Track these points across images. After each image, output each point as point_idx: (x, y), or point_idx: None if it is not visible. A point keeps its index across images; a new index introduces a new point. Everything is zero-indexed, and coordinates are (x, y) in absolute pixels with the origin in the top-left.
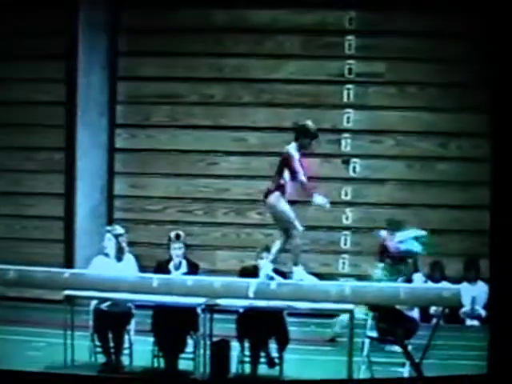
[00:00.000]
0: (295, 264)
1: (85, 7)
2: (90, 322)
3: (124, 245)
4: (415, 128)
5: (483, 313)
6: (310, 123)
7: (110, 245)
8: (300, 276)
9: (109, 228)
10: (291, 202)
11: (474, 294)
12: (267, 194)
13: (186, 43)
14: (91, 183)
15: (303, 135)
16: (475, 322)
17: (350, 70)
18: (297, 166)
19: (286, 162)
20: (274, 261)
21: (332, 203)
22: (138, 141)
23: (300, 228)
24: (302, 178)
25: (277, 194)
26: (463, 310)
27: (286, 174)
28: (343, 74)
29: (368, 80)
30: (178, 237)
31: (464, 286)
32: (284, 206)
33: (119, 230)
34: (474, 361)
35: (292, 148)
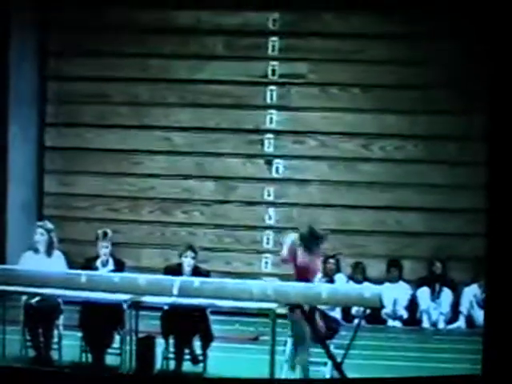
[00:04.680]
0: None
1: (16, 7)
2: (21, 317)
3: (55, 240)
4: (338, 129)
5: (405, 314)
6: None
7: (41, 239)
8: None
9: (40, 223)
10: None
11: (395, 295)
12: None
13: (114, 44)
14: (22, 180)
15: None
16: (397, 323)
17: (273, 71)
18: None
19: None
20: None
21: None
22: (67, 139)
23: None
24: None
25: None
26: (385, 310)
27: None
28: (266, 75)
29: (291, 81)
30: (105, 235)
31: (386, 287)
32: None
33: (50, 225)
34: (396, 361)
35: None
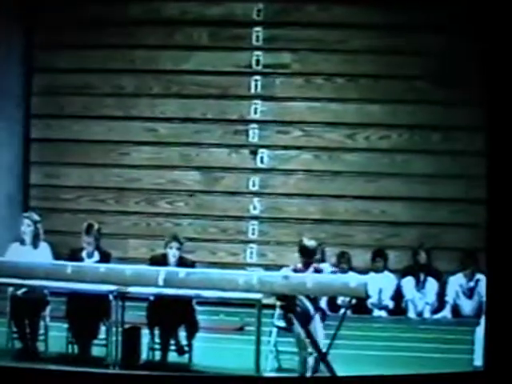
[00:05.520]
0: None
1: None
2: (8, 309)
3: (41, 231)
4: (322, 119)
5: (390, 303)
6: (306, 241)
7: (27, 230)
8: None
9: (26, 214)
10: None
11: (380, 285)
12: None
13: (100, 36)
14: (8, 173)
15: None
16: (383, 313)
17: (257, 61)
18: None
19: None
20: None
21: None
22: (53, 131)
23: None
24: None
25: None
26: (370, 300)
27: None
28: (251, 65)
29: (275, 71)
30: (88, 230)
31: (371, 277)
32: None
33: (36, 216)
34: (382, 351)
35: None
